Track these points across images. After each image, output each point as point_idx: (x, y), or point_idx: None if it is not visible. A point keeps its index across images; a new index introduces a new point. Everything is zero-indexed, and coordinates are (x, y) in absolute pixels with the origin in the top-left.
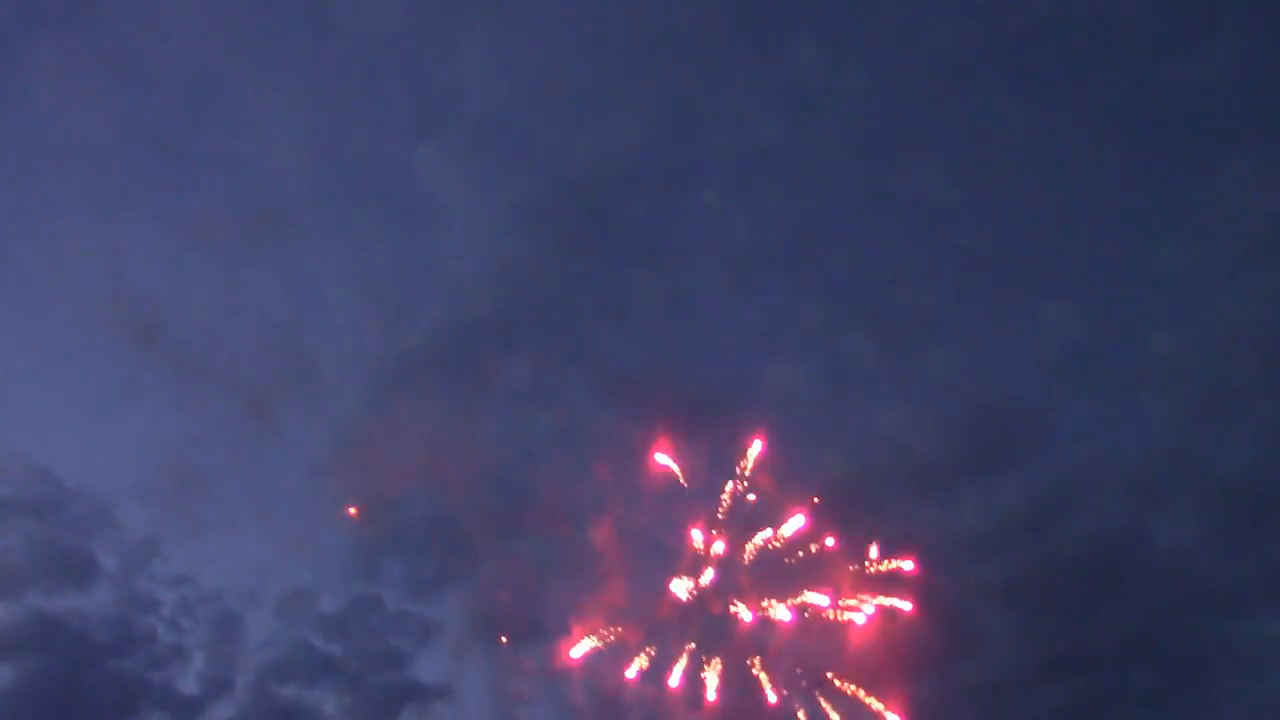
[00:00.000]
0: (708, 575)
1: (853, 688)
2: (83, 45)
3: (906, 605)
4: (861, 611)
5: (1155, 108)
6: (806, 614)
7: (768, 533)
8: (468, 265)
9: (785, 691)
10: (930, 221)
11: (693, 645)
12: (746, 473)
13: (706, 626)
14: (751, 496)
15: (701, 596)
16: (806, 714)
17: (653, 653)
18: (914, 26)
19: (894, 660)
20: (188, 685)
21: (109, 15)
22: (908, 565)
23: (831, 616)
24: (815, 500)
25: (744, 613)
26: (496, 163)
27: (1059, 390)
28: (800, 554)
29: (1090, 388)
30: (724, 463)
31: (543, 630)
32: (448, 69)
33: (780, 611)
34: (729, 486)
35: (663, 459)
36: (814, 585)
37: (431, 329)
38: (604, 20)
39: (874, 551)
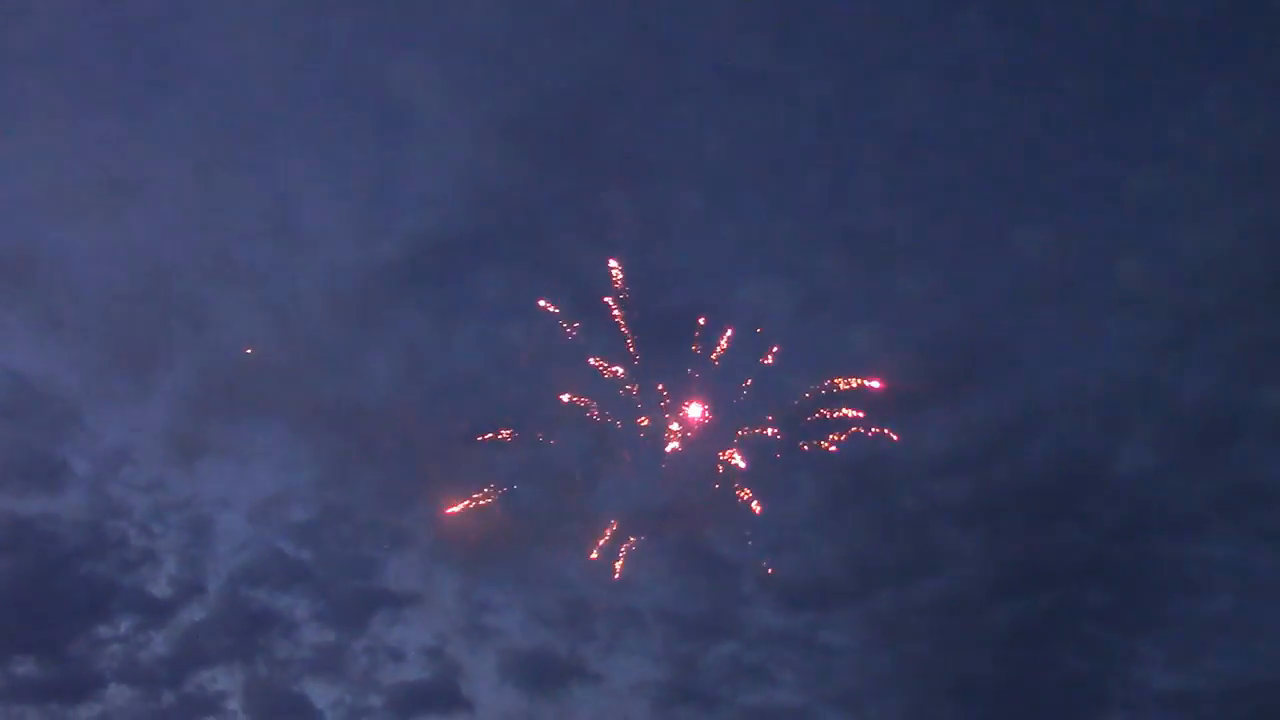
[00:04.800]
0: None
1: None
2: None
3: None
4: None
5: (1131, 35)
6: None
7: None
8: (442, 179)
9: None
10: (905, 145)
11: None
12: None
13: None
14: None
15: None
16: None
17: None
18: None
19: None
20: (159, 588)
21: None
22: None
23: None
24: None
25: None
26: (474, 77)
27: (1027, 315)
28: None
29: (1058, 313)
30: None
31: (515, 538)
32: None
33: None
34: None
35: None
36: None
37: (405, 242)
38: None
39: None
